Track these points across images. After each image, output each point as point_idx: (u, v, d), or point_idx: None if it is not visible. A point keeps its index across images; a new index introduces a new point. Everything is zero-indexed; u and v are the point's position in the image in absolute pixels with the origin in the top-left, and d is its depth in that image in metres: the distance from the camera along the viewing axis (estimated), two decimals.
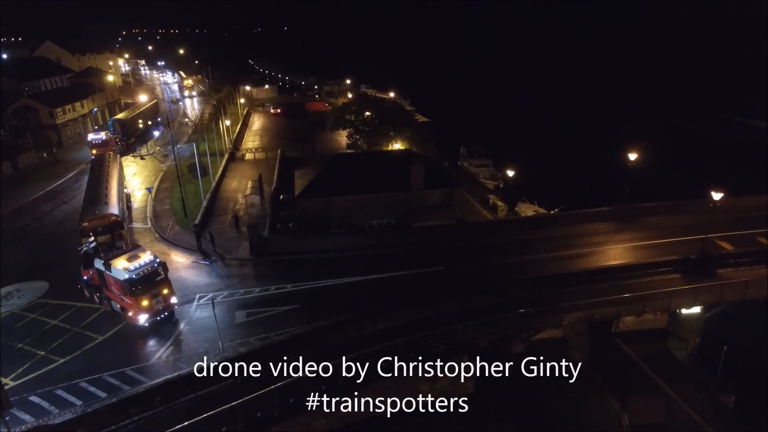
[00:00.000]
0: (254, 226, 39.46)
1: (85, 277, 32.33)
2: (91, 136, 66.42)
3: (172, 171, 57.85)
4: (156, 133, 79.14)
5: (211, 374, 25.01)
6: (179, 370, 25.95)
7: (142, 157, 70.12)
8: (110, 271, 29.16)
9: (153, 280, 29.50)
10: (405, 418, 25.41)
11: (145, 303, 28.84)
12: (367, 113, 72.65)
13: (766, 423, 27.43)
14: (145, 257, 29.96)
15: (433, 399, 26.37)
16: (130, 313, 29.46)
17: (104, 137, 65.62)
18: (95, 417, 22.60)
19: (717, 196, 32.14)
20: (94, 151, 62.32)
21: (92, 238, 33.02)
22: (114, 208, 38.67)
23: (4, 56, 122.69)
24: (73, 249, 41.36)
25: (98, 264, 30.06)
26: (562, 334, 34.76)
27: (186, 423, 22.20)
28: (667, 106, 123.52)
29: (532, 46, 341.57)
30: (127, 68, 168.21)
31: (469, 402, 26.56)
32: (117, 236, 34.12)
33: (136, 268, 28.96)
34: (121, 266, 28.78)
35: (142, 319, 29.07)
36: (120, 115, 76.85)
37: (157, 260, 30.36)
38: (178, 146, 70.49)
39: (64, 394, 24.75)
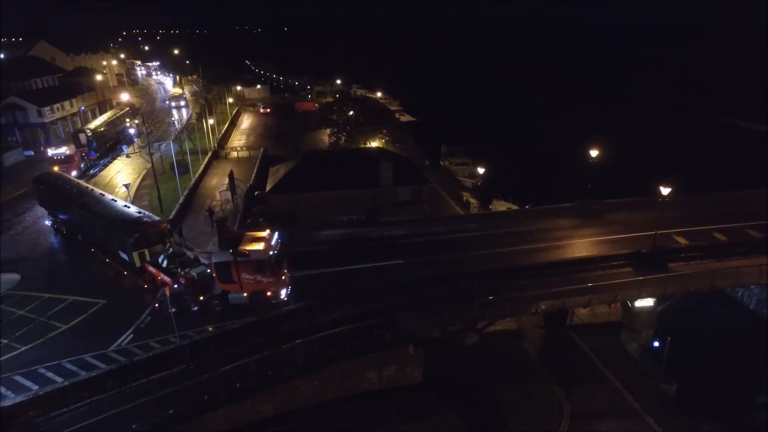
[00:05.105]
0: (223, 221, 40.32)
1: (175, 285, 30.26)
2: (51, 152, 60.15)
3: (156, 168, 58.91)
4: (132, 131, 78.67)
5: (166, 360, 26.35)
6: (135, 357, 27.02)
7: (127, 155, 71.23)
8: (247, 257, 28.82)
9: (282, 254, 30.50)
10: (350, 403, 26.41)
11: (284, 277, 29.92)
12: (350, 112, 73.77)
13: (703, 409, 28.40)
14: (275, 234, 30.51)
15: (380, 387, 27.52)
16: (269, 293, 29.58)
17: (67, 152, 60.19)
18: (47, 399, 23.69)
19: (665, 190, 33.04)
20: (56, 168, 54.91)
21: (168, 246, 33.11)
22: (153, 214, 36.45)
23: (1, 56, 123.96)
24: (45, 243, 42.98)
25: (221, 257, 29.30)
26: (517, 326, 35.69)
27: (133, 404, 23.43)
28: (656, 106, 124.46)
29: (528, 47, 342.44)
30: (142, 71, 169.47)
31: (414, 390, 27.65)
32: (164, 244, 33.57)
33: (273, 245, 29.44)
34: (261, 246, 29.14)
35: (284, 293, 29.82)
36: (91, 125, 69.76)
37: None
38: (164, 144, 71.60)
39: (22, 380, 25.75)
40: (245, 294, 30.01)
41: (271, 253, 29.04)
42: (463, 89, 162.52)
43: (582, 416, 28.17)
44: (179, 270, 31.17)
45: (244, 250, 29.02)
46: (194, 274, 30.76)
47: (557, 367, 32.34)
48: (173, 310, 29.57)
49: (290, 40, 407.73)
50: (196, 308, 30.44)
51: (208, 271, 31.20)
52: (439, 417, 27.14)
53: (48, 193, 43.98)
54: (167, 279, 30.52)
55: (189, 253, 33.68)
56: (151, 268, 31.68)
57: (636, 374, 31.81)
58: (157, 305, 29.94)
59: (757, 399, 32.64)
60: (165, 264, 31.81)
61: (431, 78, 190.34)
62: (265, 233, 30.48)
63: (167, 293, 28.33)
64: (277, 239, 30.29)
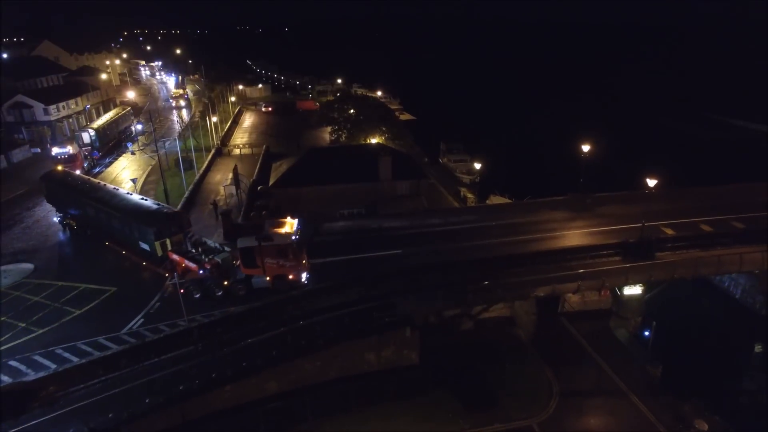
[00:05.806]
0: (227, 213, 41.94)
1: (201, 271, 31.65)
2: (56, 150, 60.40)
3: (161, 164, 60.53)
4: (139, 127, 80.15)
5: (176, 341, 27.88)
6: (146, 338, 28.56)
7: (132, 153, 72.80)
8: (273, 240, 30.79)
9: (302, 239, 32.25)
10: (350, 381, 27.90)
11: (305, 261, 31.76)
12: (351, 110, 75.28)
13: (686, 388, 29.89)
14: (296, 220, 32.46)
15: (378, 368, 28.99)
16: (291, 276, 31.46)
17: (71, 151, 60.62)
18: (66, 376, 25.23)
19: (652, 182, 34.48)
20: (59, 167, 53.47)
21: (190, 235, 34.96)
22: (170, 206, 38.03)
23: (4, 56, 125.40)
24: (55, 236, 44.56)
25: (246, 242, 30.95)
26: (510, 313, 37.11)
27: (145, 380, 24.99)
28: (652, 104, 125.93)
29: (527, 46, 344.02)
30: (145, 71, 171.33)
31: (411, 370, 29.12)
32: (186, 233, 35.30)
33: (296, 230, 31.42)
34: (285, 230, 31.08)
35: (304, 276, 31.66)
36: (94, 124, 70.83)
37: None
38: (168, 142, 73.35)
39: (41, 359, 27.44)
40: (268, 278, 31.73)
41: (294, 237, 30.87)
42: (462, 89, 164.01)
43: (570, 394, 29.60)
44: (203, 257, 32.75)
45: (268, 235, 30.83)
46: (219, 260, 32.33)
47: (548, 350, 33.71)
48: (198, 295, 31.73)
49: (291, 40, 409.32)
50: (220, 293, 32.10)
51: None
52: (435, 394, 28.60)
53: (57, 190, 45.22)
54: (192, 266, 31.94)
55: (209, 242, 35.33)
56: (174, 256, 33.13)
57: (623, 357, 33.22)
58: (182, 291, 30.17)
59: (742, 384, 34.19)
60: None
61: (431, 78, 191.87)
62: (287, 220, 32.31)
63: (180, 279, 29.88)
64: (298, 226, 32.11)
